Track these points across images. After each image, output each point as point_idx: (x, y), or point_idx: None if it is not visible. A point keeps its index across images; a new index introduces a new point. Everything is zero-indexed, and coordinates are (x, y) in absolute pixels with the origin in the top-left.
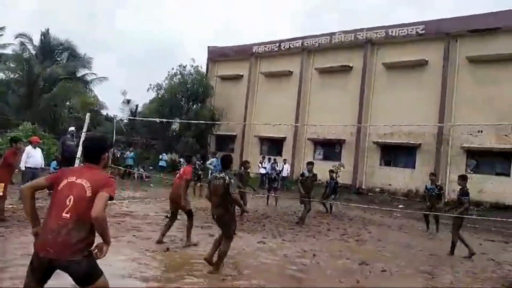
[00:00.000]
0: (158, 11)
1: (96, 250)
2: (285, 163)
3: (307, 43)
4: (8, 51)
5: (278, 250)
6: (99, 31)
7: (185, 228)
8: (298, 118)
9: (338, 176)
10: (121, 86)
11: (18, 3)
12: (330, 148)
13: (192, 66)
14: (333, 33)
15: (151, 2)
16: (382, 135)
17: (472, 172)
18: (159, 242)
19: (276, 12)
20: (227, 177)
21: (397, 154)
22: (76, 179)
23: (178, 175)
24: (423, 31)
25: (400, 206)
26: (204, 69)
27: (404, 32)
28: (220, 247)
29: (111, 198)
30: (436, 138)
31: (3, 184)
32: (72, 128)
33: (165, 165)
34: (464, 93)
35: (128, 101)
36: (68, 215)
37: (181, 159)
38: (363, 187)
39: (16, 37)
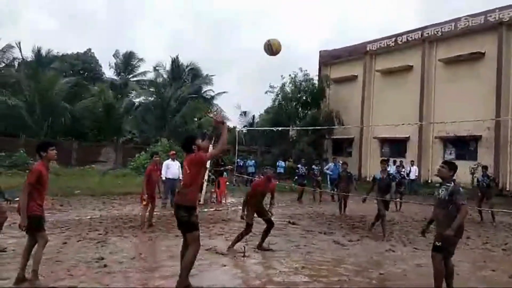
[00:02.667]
0: (271, 26)
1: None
2: (412, 165)
3: (428, 33)
4: (145, 77)
5: (409, 260)
6: (222, 51)
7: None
8: (422, 116)
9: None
10: (242, 100)
11: (155, 35)
12: (463, 146)
13: (302, 72)
14: (458, 19)
15: (265, 18)
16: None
17: None
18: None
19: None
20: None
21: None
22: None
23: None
24: None
25: None
26: (316, 74)
27: None
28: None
29: (29, 183)
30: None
31: (147, 195)
32: None
33: (283, 171)
34: None
35: (245, 113)
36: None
37: (299, 166)
38: (508, 188)
39: (155, 68)
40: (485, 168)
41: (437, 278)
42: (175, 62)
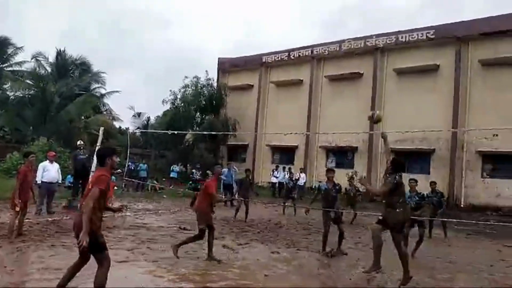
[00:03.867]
0: (181, 28)
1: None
2: (301, 172)
3: (317, 51)
4: (24, 68)
5: (293, 260)
6: (124, 49)
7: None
8: (309, 126)
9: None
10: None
11: (48, 23)
12: (342, 155)
13: (206, 78)
14: (343, 41)
15: (173, 21)
16: (395, 141)
17: (488, 176)
18: (211, 259)
19: (297, 22)
20: None
21: (411, 160)
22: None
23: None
24: (433, 36)
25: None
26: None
27: (414, 37)
28: None
29: (101, 191)
30: (450, 143)
31: (20, 200)
32: (80, 142)
33: (176, 176)
34: (477, 97)
35: (139, 114)
36: (81, 204)
37: (194, 170)
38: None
39: (33, 57)
40: (433, 183)
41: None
42: (60, 54)
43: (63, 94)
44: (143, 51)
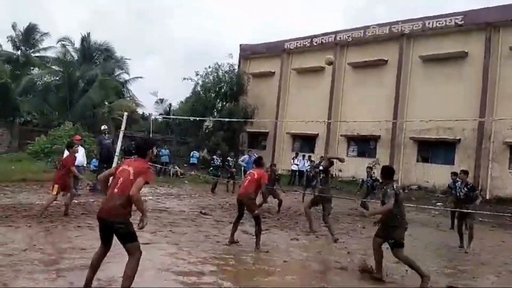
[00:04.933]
0: (200, 16)
1: (139, 222)
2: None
3: (340, 38)
4: (50, 54)
5: (311, 248)
6: (148, 37)
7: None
8: (331, 115)
9: (374, 173)
10: (163, 88)
11: (74, 9)
12: (364, 144)
13: (229, 64)
14: (367, 27)
15: (195, 8)
16: (419, 130)
17: None
18: (232, 242)
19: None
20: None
21: (435, 150)
22: (127, 167)
23: (249, 177)
24: (462, 22)
25: (439, 204)
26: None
27: (442, 23)
28: None
29: (147, 183)
30: (477, 133)
31: (57, 185)
32: (104, 127)
33: (196, 162)
34: (507, 86)
35: (162, 100)
36: (116, 190)
37: (215, 157)
38: (399, 184)
39: (59, 41)
40: (369, 168)
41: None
42: (85, 40)
43: (88, 80)
44: (167, 38)
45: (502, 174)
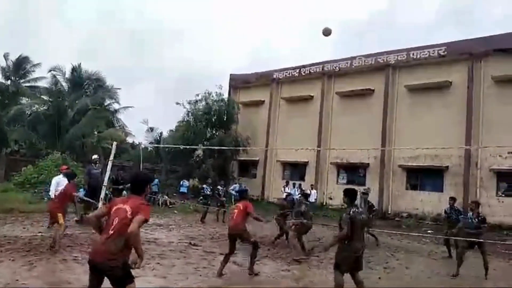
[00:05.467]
0: (191, 45)
1: (132, 262)
2: (312, 189)
3: (327, 68)
4: (40, 84)
5: (303, 278)
6: (137, 65)
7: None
8: (320, 142)
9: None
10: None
11: (65, 40)
12: (354, 172)
13: (217, 93)
14: (354, 57)
15: (188, 38)
16: (407, 158)
17: (504, 195)
18: (220, 275)
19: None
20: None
21: (423, 177)
22: (123, 205)
23: (236, 210)
24: (445, 53)
25: (429, 231)
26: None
27: (426, 54)
28: None
29: (146, 221)
30: (464, 160)
31: (61, 214)
32: (95, 156)
33: (186, 191)
34: (490, 114)
35: (152, 129)
36: (112, 232)
37: (204, 186)
38: (389, 212)
39: (49, 71)
40: (451, 199)
41: None
42: (76, 69)
43: (78, 109)
44: (157, 68)
45: (490, 200)
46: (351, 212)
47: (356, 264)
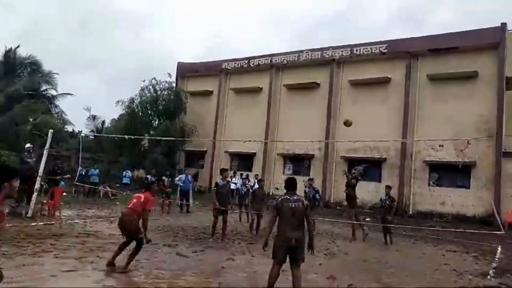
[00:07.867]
0: (147, 31)
1: None
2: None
3: (276, 60)
4: None
5: (247, 267)
6: (87, 52)
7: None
8: (267, 134)
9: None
10: (99, 104)
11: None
12: (299, 162)
13: (167, 81)
14: (301, 51)
15: (141, 23)
16: (348, 150)
17: (434, 185)
18: (110, 264)
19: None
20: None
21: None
22: None
23: (135, 200)
24: (386, 50)
25: (367, 219)
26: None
27: (368, 50)
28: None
29: None
30: (400, 152)
31: None
32: (28, 145)
33: (129, 182)
34: (425, 109)
35: (94, 117)
36: None
37: (148, 176)
38: (332, 200)
39: None
40: (388, 187)
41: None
42: (9, 53)
43: (9, 95)
44: (107, 54)
45: (422, 190)
46: (279, 200)
47: (291, 254)
